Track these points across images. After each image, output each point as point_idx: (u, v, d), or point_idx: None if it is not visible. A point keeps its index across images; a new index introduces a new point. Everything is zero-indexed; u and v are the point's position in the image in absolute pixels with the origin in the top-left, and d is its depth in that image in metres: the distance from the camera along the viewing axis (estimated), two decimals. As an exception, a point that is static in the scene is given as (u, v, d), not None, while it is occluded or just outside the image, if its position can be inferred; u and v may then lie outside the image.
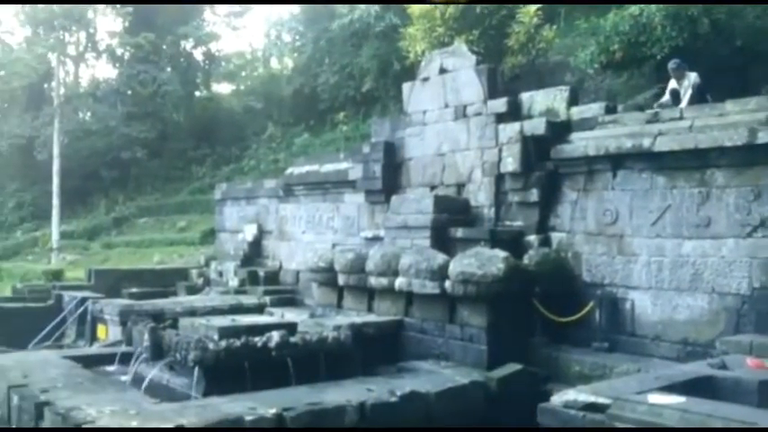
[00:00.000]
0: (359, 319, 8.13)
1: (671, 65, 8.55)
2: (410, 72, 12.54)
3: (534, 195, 8.10)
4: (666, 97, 8.58)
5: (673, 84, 8.58)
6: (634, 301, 7.27)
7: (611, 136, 7.50)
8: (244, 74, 32.26)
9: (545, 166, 8.04)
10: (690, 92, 8.27)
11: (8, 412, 5.96)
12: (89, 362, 7.41)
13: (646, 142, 7.08)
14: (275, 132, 23.30)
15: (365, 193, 10.59)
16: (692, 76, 8.38)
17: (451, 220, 8.57)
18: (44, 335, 11.10)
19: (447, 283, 7.36)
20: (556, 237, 8.02)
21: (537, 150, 8.07)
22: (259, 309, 10.57)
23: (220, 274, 13.31)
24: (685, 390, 4.69)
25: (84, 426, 4.72)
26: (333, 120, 21.03)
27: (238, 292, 12.12)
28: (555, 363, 7.16)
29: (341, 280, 8.79)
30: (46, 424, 5.23)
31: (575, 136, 7.90)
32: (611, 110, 8.00)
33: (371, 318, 8.24)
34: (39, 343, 10.69)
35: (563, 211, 8.00)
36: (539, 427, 4.86)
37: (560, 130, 8.04)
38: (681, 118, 7.17)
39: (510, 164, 8.25)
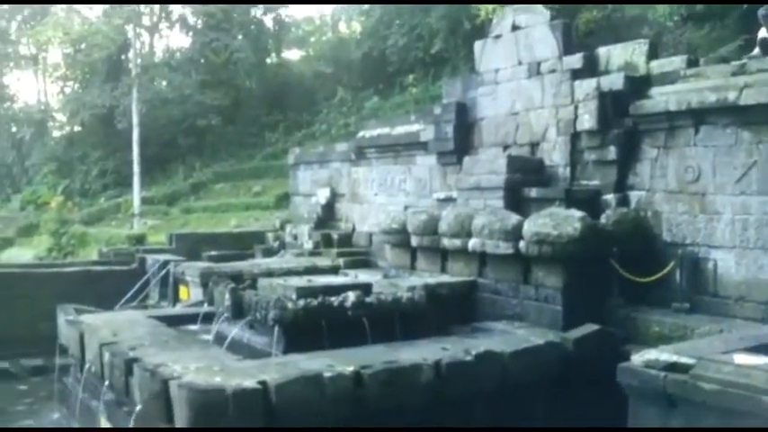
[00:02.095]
0: (432, 279, 8.15)
1: (761, 11, 8.09)
2: (481, 31, 12.31)
3: (612, 153, 7.88)
4: (756, 51, 8.15)
5: (763, 33, 8.13)
6: (716, 261, 7.03)
7: (693, 90, 7.20)
8: (313, 39, 32.36)
9: (623, 123, 7.79)
10: (781, 41, 7.83)
11: (101, 368, 6.28)
12: (173, 321, 7.71)
13: (731, 96, 6.76)
14: (345, 97, 23.36)
15: (437, 154, 10.53)
16: (785, 24, 7.92)
17: (525, 181, 8.45)
18: (129, 296, 11.57)
19: (521, 244, 7.28)
20: (634, 196, 7.81)
21: (614, 107, 7.82)
22: (333, 270, 10.72)
23: (295, 237, 13.56)
24: (772, 351, 4.55)
25: (171, 380, 4.92)
26: (402, 83, 20.93)
27: (313, 254, 12.32)
28: (633, 324, 7.02)
29: (414, 241, 8.81)
30: (135, 379, 5.49)
31: (655, 91, 7.62)
32: (693, 63, 7.66)
33: (445, 278, 8.25)
34: (125, 304, 11.15)
35: (642, 169, 7.76)
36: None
37: (639, 85, 7.76)
38: (770, 69, 6.82)
39: (586, 121, 8.03)
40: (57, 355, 8.55)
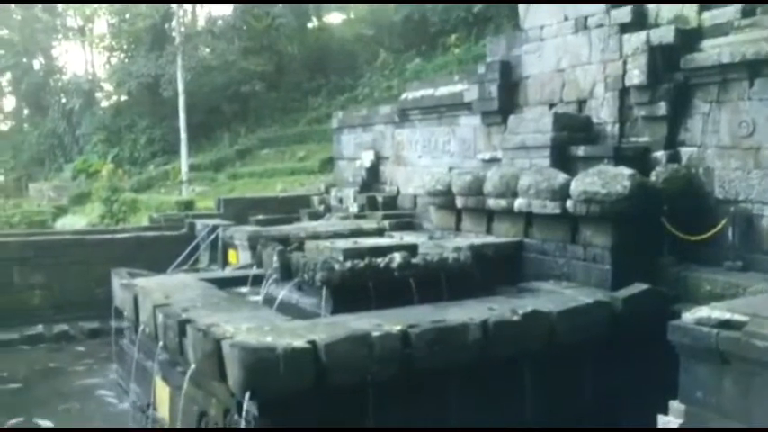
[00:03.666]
0: (478, 240, 8.13)
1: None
2: (525, -13, 12.02)
3: (662, 109, 7.68)
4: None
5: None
6: (772, 218, 6.84)
7: (748, 41, 6.94)
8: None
9: (674, 78, 7.57)
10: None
11: (155, 329, 6.45)
12: (223, 284, 7.85)
13: (789, 46, 6.51)
14: (387, 59, 23.25)
15: (481, 114, 10.41)
16: None
17: (572, 139, 8.30)
18: (180, 260, 11.83)
19: (568, 203, 7.19)
20: (685, 152, 7.61)
21: (665, 61, 7.60)
22: (378, 233, 10.75)
23: (340, 200, 13.63)
24: (830, 307, 4.43)
25: (223, 340, 5.03)
26: (444, 43, 20.73)
27: (358, 217, 12.39)
28: (683, 282, 6.90)
29: (459, 202, 8.78)
30: (188, 340, 5.62)
31: (707, 43, 7.37)
32: (748, 13, 7.34)
33: (490, 239, 8.22)
34: (176, 268, 11.41)
35: (693, 124, 7.55)
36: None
37: (691, 37, 7.51)
38: (831, 16, 6.52)
39: (635, 76, 7.83)
40: (112, 317, 8.82)
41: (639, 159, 7.70)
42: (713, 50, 7.20)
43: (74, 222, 20.15)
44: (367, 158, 13.59)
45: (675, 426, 4.63)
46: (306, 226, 11.73)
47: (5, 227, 18.73)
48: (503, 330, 5.68)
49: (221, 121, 27.21)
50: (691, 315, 4.62)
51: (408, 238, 9.35)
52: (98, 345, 10.61)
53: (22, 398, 8.52)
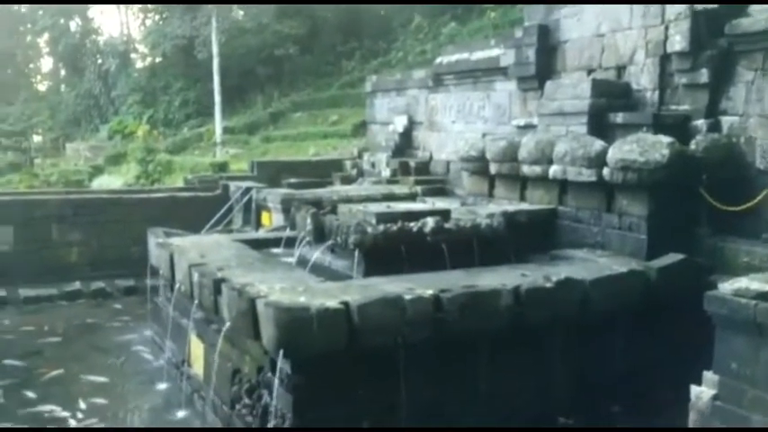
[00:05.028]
0: (511, 207, 8.08)
1: None
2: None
3: (704, 76, 7.49)
4: None
5: None
6: (815, 190, 6.69)
7: (798, 6, 6.73)
8: (389, -37, 31.66)
9: (717, 44, 7.37)
10: None
11: (190, 287, 6.56)
12: (257, 245, 7.93)
13: (841, 11, 6.29)
14: (422, 23, 22.98)
15: (517, 79, 10.27)
16: None
17: (610, 105, 8.16)
18: (215, 221, 11.97)
19: (605, 171, 7.09)
20: (727, 121, 7.44)
21: (708, 26, 7.40)
22: (411, 198, 10.76)
23: (372, 164, 13.62)
24: None
25: (258, 299, 5.10)
26: (480, 7, 20.38)
27: (390, 182, 12.38)
28: (720, 254, 6.79)
29: (492, 169, 8.72)
30: (223, 298, 5.72)
31: (754, 8, 7.14)
32: (800, -24, 7.13)
33: (524, 206, 8.17)
34: (210, 228, 11.54)
35: (736, 92, 7.36)
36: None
37: (737, 2, 7.29)
38: None
39: (677, 42, 7.64)
40: (148, 275, 8.98)
41: (679, 128, 7.55)
42: (761, 15, 6.97)
43: (110, 182, 20.47)
44: (400, 123, 13.53)
45: (709, 396, 4.62)
46: (338, 189, 11.76)
47: (44, 185, 19.08)
48: (535, 297, 5.67)
49: (255, 83, 27.24)
50: (729, 286, 4.57)
51: (440, 203, 9.32)
52: (134, 302, 10.84)
53: (62, 351, 8.76)
